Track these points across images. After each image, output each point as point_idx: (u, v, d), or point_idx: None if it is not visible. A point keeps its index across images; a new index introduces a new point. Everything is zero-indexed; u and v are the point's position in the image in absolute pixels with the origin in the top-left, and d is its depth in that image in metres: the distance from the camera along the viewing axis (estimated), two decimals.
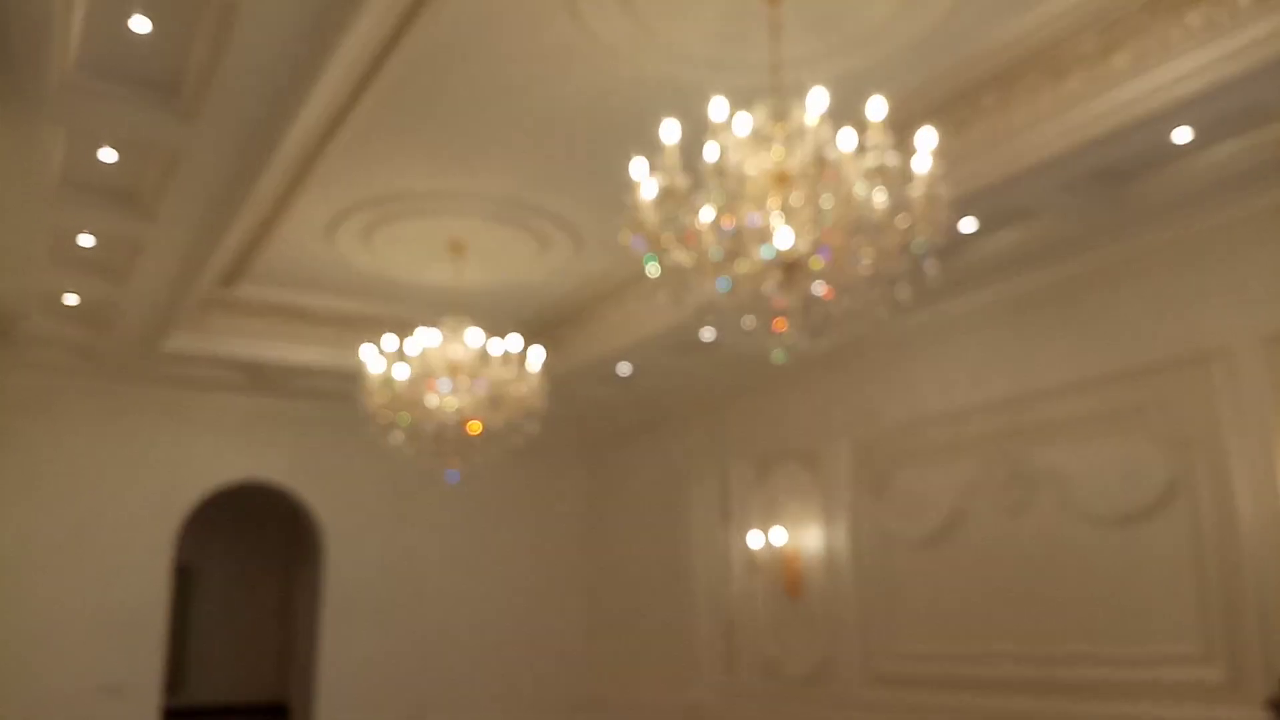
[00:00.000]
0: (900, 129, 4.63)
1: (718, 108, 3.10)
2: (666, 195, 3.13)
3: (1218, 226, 5.17)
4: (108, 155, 4.90)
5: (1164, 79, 3.88)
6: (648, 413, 9.58)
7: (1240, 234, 5.09)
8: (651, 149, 3.30)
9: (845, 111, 4.56)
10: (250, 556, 13.70)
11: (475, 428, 5.88)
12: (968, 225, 5.40)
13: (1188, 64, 3.79)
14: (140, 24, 3.86)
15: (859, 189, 3.09)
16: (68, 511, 8.38)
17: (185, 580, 12.43)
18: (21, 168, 4.88)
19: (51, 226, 5.68)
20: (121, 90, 4.27)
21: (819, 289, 3.20)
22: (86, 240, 5.89)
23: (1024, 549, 6.03)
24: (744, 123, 3.24)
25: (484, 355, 6.04)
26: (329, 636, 9.24)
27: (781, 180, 3.15)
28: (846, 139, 3.18)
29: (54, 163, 4.91)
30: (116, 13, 3.79)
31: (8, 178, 4.97)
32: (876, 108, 3.16)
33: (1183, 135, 4.43)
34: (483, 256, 6.82)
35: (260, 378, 8.52)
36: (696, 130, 3.31)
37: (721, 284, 3.24)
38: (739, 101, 3.49)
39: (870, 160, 3.07)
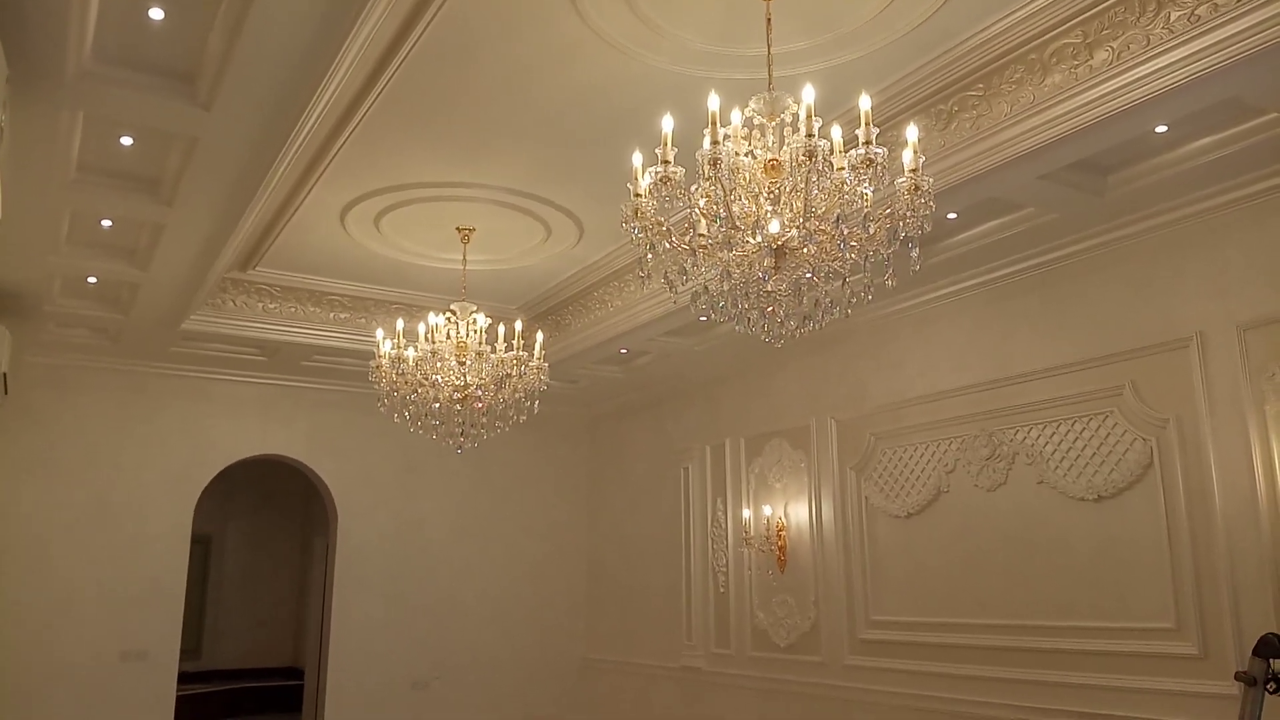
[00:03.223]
0: (889, 121, 4.63)
1: (713, 101, 3.06)
2: (662, 184, 3.10)
3: (1195, 216, 5.13)
4: (126, 141, 4.84)
5: (1145, 73, 3.82)
6: (646, 392, 9.58)
7: (1217, 224, 5.05)
8: (651, 141, 3.26)
9: (836, 104, 4.57)
10: (267, 527, 13.75)
11: (479, 406, 5.89)
12: (952, 214, 5.38)
13: (1169, 59, 3.73)
14: (156, 12, 3.80)
15: (847, 179, 3.06)
16: (89, 485, 8.37)
17: (203, 549, 12.48)
18: (42, 153, 4.83)
19: (72, 210, 5.63)
20: (138, 78, 4.20)
21: (808, 275, 3.18)
22: (106, 224, 5.85)
23: (1002, 525, 6.04)
24: (738, 115, 3.21)
25: (489, 337, 6.04)
26: (340, 604, 9.25)
27: (773, 170, 3.12)
28: (835, 132, 3.15)
29: (73, 148, 4.85)
30: (133, 1, 3.73)
31: (28, 163, 4.91)
32: (864, 102, 3.12)
33: (1163, 129, 4.38)
34: (489, 243, 6.79)
35: (276, 357, 8.50)
36: (694, 123, 3.27)
37: (714, 270, 3.23)
38: (735, 95, 3.45)
39: (858, 152, 3.03)
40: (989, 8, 4.09)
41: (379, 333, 6.15)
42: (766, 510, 7.90)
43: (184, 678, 8.90)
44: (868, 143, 3.03)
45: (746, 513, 8.10)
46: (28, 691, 7.85)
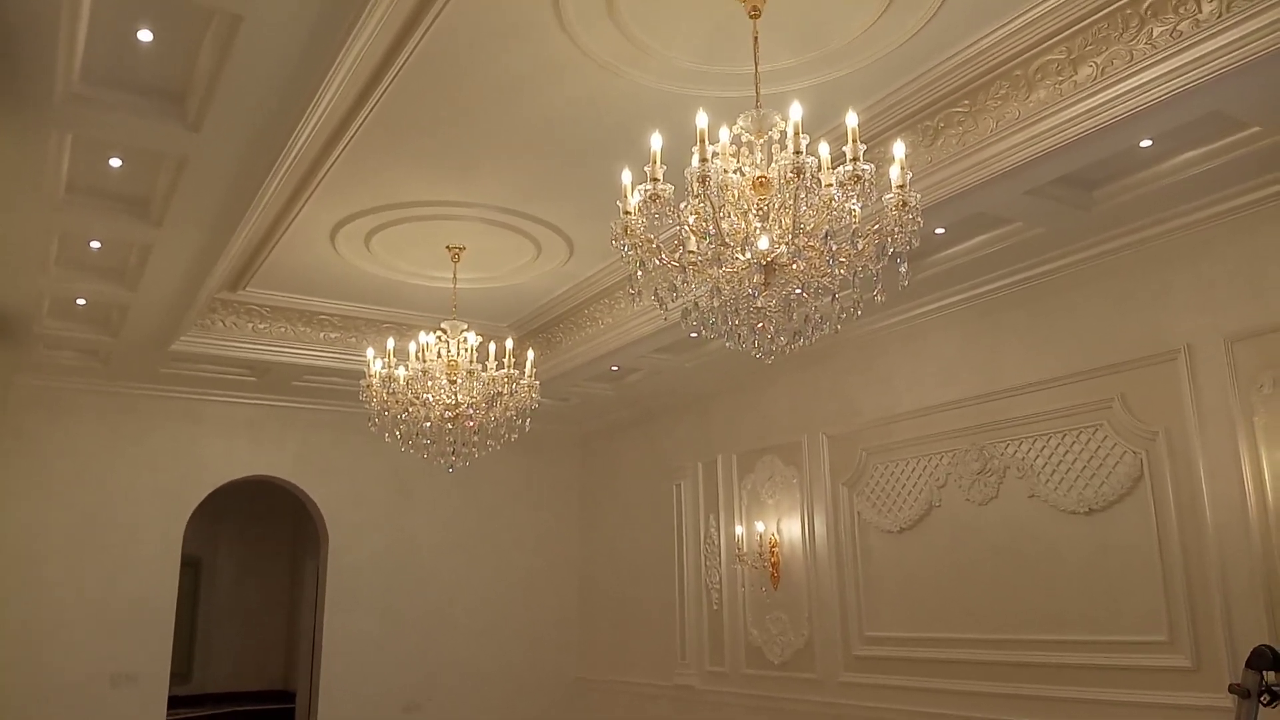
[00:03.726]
0: (876, 138, 4.66)
1: (701, 119, 3.08)
2: (652, 201, 3.11)
3: (1182, 229, 5.16)
4: (114, 163, 4.84)
5: (1129, 88, 3.85)
6: (638, 409, 9.58)
7: (1204, 236, 5.08)
8: (640, 159, 3.27)
9: (823, 121, 4.59)
10: (258, 548, 13.63)
11: (470, 425, 5.88)
12: (939, 229, 5.40)
13: (1152, 74, 3.77)
14: (145, 33, 3.80)
15: (835, 196, 3.07)
16: (78, 507, 8.32)
17: (194, 572, 12.38)
18: (30, 174, 4.82)
19: (61, 232, 5.62)
20: (127, 99, 4.20)
21: (797, 291, 3.19)
22: (95, 245, 5.83)
23: (994, 539, 6.03)
24: (726, 133, 3.23)
25: (480, 356, 6.03)
26: (332, 625, 9.19)
27: (761, 187, 3.13)
28: (823, 148, 3.16)
29: (61, 170, 4.84)
30: (121, 23, 3.73)
31: (17, 184, 4.90)
32: (852, 119, 3.14)
33: (1147, 143, 4.42)
34: (479, 261, 6.79)
35: (266, 377, 8.47)
36: (683, 140, 3.28)
37: (704, 287, 3.24)
38: (723, 112, 3.46)
39: (846, 168, 3.05)
40: (974, 25, 4.12)
41: (369, 352, 6.13)
42: (759, 526, 7.89)
43: (174, 701, 8.83)
44: (855, 159, 3.04)
45: (739, 529, 8.09)
46: (16, 714, 7.76)
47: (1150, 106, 3.84)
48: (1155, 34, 3.71)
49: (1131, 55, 3.81)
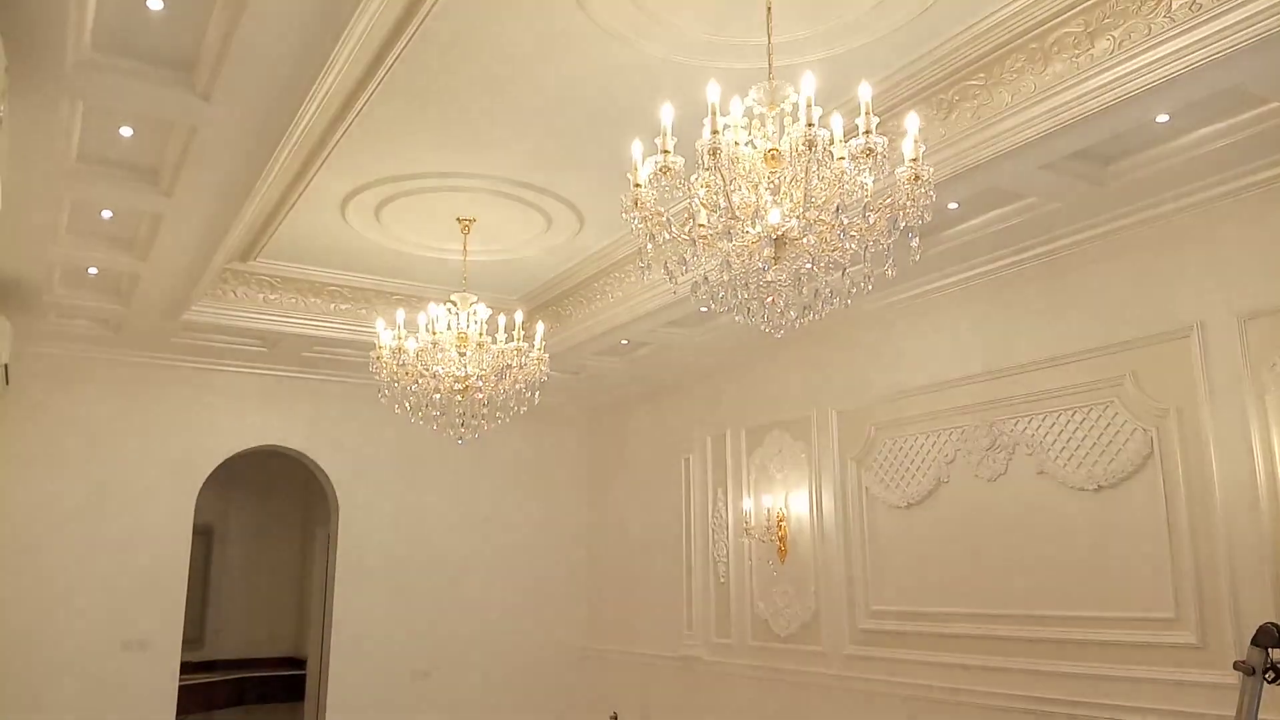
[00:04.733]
0: (889, 111, 4.62)
1: (713, 91, 3.05)
2: (662, 173, 3.10)
3: (1196, 206, 5.11)
4: (125, 131, 4.83)
5: (1147, 62, 3.80)
6: (647, 383, 9.58)
7: (1218, 213, 5.04)
8: (651, 131, 3.25)
9: (836, 93, 4.55)
10: (269, 517, 13.77)
11: (479, 397, 5.90)
12: (953, 204, 5.36)
13: (1171, 47, 3.72)
14: (155, 1, 3.79)
15: (847, 169, 3.05)
16: (91, 476, 8.38)
17: (206, 540, 12.51)
18: (41, 144, 4.82)
19: (71, 201, 5.62)
20: (137, 67, 4.19)
21: (808, 265, 3.18)
22: (106, 215, 5.84)
23: (1002, 515, 6.04)
24: (738, 105, 3.21)
25: (490, 328, 6.04)
26: (342, 594, 9.28)
27: (773, 160, 3.11)
28: (836, 121, 3.14)
29: (72, 139, 4.84)
30: None
31: (28, 153, 4.90)
32: (865, 91, 3.11)
33: (1164, 118, 4.37)
34: (489, 233, 6.79)
35: (277, 348, 8.50)
36: (694, 112, 3.26)
37: (714, 260, 3.23)
38: (735, 85, 3.44)
39: (858, 141, 3.02)
40: None
41: (379, 324, 6.14)
42: (767, 501, 7.91)
43: (186, 667, 8.93)
44: (868, 132, 3.02)
45: (747, 503, 8.11)
46: (29, 681, 7.87)
47: (1168, 81, 3.80)
48: (1174, 7, 3.66)
49: (1150, 29, 3.76)
